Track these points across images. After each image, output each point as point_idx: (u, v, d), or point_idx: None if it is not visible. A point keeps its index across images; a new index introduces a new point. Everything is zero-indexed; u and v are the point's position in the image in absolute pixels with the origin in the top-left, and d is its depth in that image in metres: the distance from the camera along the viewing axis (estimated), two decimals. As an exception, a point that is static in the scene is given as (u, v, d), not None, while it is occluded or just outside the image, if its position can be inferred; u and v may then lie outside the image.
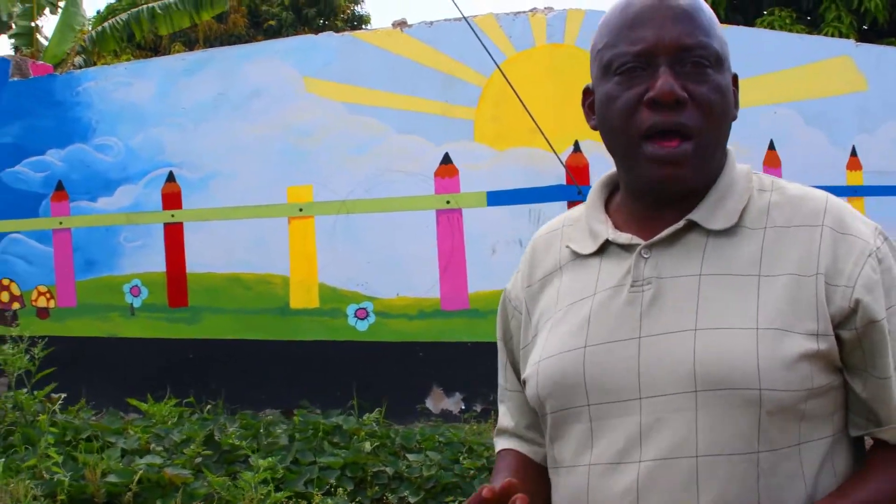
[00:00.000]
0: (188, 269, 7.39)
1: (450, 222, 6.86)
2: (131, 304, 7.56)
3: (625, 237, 1.43)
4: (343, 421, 5.51)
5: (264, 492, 3.91)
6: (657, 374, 1.32)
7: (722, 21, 5.17)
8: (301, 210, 7.07)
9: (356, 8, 28.09)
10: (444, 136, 6.82)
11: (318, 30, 23.08)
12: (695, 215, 1.38)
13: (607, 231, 1.45)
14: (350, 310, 7.05)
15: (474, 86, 6.72)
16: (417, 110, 6.83)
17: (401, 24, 7.07)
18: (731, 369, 1.28)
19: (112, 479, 4.21)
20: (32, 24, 15.15)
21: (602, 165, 6.91)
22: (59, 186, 7.81)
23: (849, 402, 1.36)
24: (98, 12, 21.82)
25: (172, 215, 7.43)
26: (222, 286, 7.27)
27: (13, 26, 15.65)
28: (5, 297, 7.97)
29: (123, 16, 15.63)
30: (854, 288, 1.30)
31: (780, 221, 1.37)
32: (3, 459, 4.14)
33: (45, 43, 15.12)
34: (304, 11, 25.90)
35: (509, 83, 6.16)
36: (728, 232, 1.38)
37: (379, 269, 6.98)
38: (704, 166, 1.38)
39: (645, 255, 1.39)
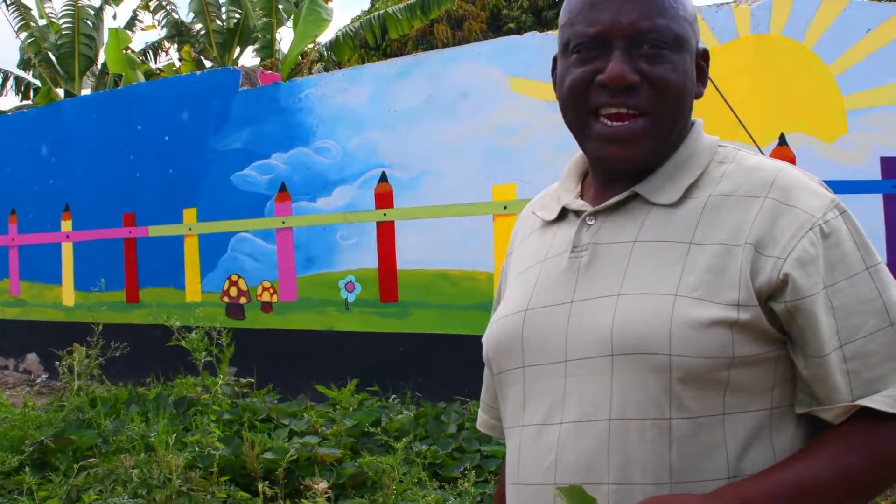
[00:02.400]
0: (399, 266, 7.65)
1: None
2: (346, 299, 7.90)
3: (578, 204, 1.46)
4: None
5: (403, 472, 4.06)
6: (581, 338, 1.34)
7: None
8: (505, 207, 7.18)
9: (595, 8, 27.78)
10: (645, 133, 6.76)
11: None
12: (640, 188, 1.40)
13: (568, 199, 1.49)
14: (551, 305, 7.10)
15: (676, 80, 6.63)
16: (619, 107, 6.80)
17: (603, 22, 7.07)
18: (643, 334, 1.28)
19: (268, 455, 4.47)
20: (271, 37, 15.97)
21: (810, 158, 6.61)
22: (283, 188, 8.26)
23: (795, 377, 1.32)
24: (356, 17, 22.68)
25: (385, 214, 7.72)
26: (430, 282, 7.49)
27: (258, 38, 16.58)
28: (234, 291, 8.52)
29: (357, 23, 16.21)
30: (786, 261, 1.27)
31: (726, 190, 1.36)
32: (174, 434, 4.48)
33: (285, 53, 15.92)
34: (543, 13, 25.99)
35: (709, 78, 6.07)
36: (672, 204, 1.38)
37: (581, 266, 7.00)
38: (657, 144, 1.39)
39: (590, 223, 1.42)
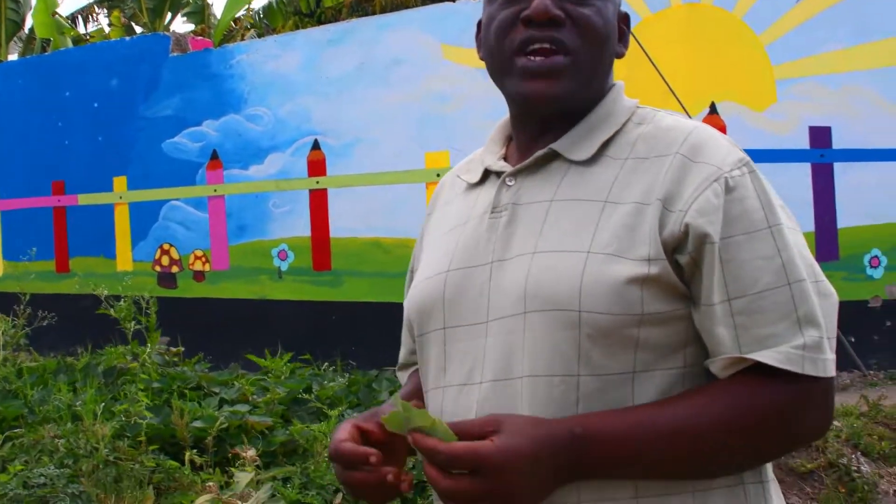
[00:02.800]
0: (332, 234, 7.62)
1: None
2: (279, 267, 7.87)
3: (499, 165, 1.46)
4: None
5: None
6: (500, 298, 1.34)
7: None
8: (438, 175, 7.17)
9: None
10: (577, 100, 6.79)
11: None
12: (557, 145, 1.40)
13: (491, 161, 1.49)
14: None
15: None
16: (551, 75, 6.82)
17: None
18: (554, 291, 1.28)
19: (198, 424, 4.44)
20: (203, 3, 15.71)
21: (740, 127, 6.68)
22: (214, 155, 8.18)
23: None
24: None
25: (317, 182, 7.68)
26: (363, 250, 7.48)
27: (190, 3, 16.33)
28: (165, 260, 8.44)
29: (291, -11, 15.97)
30: (687, 212, 1.27)
31: (642, 153, 1.36)
32: (102, 404, 4.42)
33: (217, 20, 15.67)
34: (479, -21, 25.86)
35: (640, 46, 6.10)
36: (590, 162, 1.38)
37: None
38: (578, 85, 1.39)
39: (509, 183, 1.42)
